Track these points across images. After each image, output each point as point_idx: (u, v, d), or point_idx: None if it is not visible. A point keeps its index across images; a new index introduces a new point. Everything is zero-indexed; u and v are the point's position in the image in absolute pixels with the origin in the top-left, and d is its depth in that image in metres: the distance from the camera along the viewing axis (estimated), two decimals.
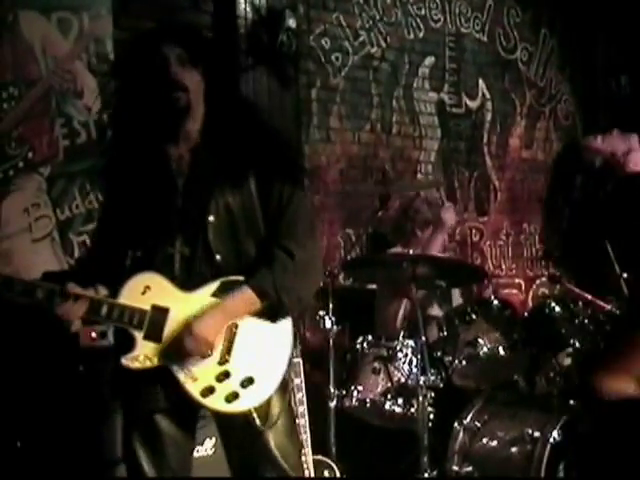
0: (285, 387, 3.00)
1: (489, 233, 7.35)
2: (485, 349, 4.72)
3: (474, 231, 7.21)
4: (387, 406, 4.71)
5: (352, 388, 4.78)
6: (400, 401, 4.69)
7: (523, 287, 7.52)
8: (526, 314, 5.02)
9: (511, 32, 7.58)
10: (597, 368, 2.61)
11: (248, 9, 5.54)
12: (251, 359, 2.89)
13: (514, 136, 7.61)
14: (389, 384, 4.76)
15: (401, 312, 5.41)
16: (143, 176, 2.92)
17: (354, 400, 4.75)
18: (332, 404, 4.68)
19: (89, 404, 4.05)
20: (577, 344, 4.52)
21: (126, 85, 2.98)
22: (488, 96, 7.42)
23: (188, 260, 2.89)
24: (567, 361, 4.61)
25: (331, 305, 4.76)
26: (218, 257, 2.88)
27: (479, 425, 4.60)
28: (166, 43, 2.88)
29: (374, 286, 5.46)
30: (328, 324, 4.73)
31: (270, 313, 2.92)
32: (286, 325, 2.98)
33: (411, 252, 4.75)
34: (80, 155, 4.99)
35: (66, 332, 2.85)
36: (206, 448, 4.10)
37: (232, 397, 2.86)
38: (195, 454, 4.03)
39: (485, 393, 4.78)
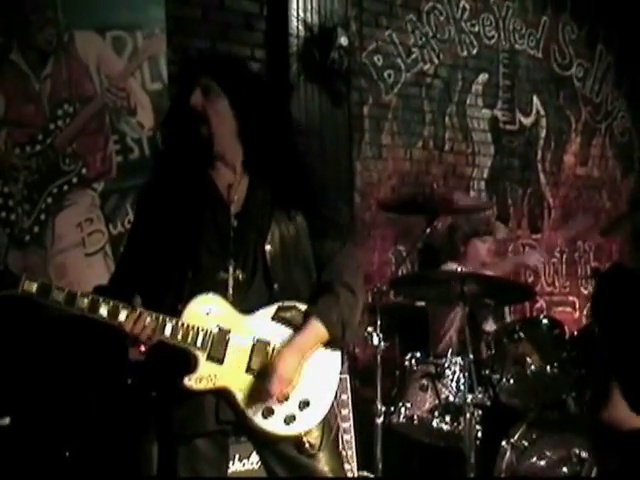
0: (332, 411, 3.04)
1: (542, 250, 7.28)
2: (533, 368, 4.70)
3: (527, 248, 7.16)
4: (434, 423, 4.71)
5: (400, 405, 4.79)
6: (447, 418, 4.69)
7: (577, 305, 7.45)
8: (576, 333, 4.99)
9: (566, 48, 7.53)
10: (600, 406, 2.64)
11: (300, 27, 5.58)
12: (306, 382, 2.91)
13: (569, 153, 7.55)
14: (437, 401, 4.77)
15: (452, 329, 5.40)
16: (191, 200, 2.96)
17: (401, 417, 4.76)
18: (379, 420, 4.69)
19: (136, 417, 4.10)
20: None
21: (169, 114, 3.06)
22: (542, 113, 7.37)
23: (241, 285, 2.92)
24: None
25: (379, 322, 4.77)
26: (276, 285, 2.93)
27: (527, 444, 4.59)
28: (194, 74, 2.95)
29: (423, 303, 5.46)
30: (376, 341, 4.74)
31: (329, 343, 2.96)
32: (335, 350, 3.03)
33: (459, 269, 4.74)
34: (133, 171, 5.06)
35: (123, 347, 2.88)
36: (252, 462, 4.12)
37: (290, 420, 2.89)
38: (241, 467, 4.10)
39: (533, 412, 4.75)
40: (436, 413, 4.71)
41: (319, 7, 5.68)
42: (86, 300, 2.78)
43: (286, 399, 2.87)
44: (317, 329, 2.90)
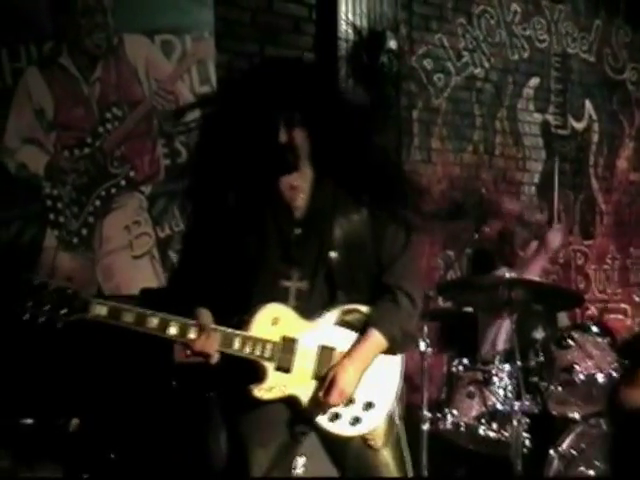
0: (394, 409, 3.05)
1: (594, 257, 7.21)
2: (581, 376, 4.62)
3: (578, 254, 7.07)
4: (481, 431, 4.66)
5: (446, 411, 4.74)
6: (494, 426, 4.64)
7: (629, 312, 7.34)
8: (629, 340, 4.92)
9: (620, 52, 7.44)
10: (622, 382, 2.77)
11: (349, 31, 5.56)
12: (370, 384, 2.95)
13: (622, 158, 7.45)
14: (484, 408, 4.71)
15: (501, 336, 5.35)
16: (254, 206, 2.95)
17: (448, 424, 4.71)
18: (425, 427, 4.65)
19: (182, 419, 4.12)
20: None
21: (228, 119, 2.99)
22: (595, 117, 7.29)
23: (303, 293, 2.92)
24: None
25: (426, 327, 4.74)
26: (339, 292, 2.94)
27: (575, 453, 4.52)
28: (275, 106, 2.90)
29: (471, 309, 5.41)
30: (423, 346, 4.70)
31: (389, 351, 2.99)
32: None
33: (507, 275, 4.68)
34: (181, 174, 5.07)
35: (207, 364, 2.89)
36: (295, 466, 4.10)
37: (355, 421, 2.93)
38: None
39: (582, 420, 4.68)
40: (483, 420, 4.66)
41: (368, 11, 5.66)
42: (155, 320, 2.79)
43: (344, 404, 2.90)
44: (377, 339, 2.93)
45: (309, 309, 2.91)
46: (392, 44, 5.60)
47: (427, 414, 4.66)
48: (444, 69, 6.39)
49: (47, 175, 4.72)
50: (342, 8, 5.57)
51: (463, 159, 6.50)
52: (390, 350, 2.98)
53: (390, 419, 3.02)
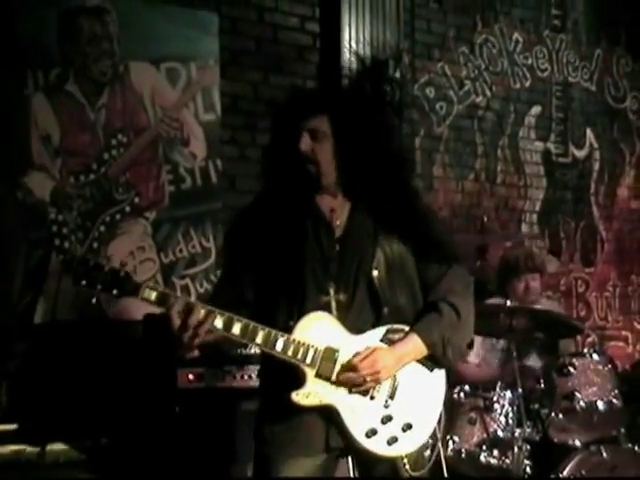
0: (434, 435, 3.04)
1: (595, 284, 7.23)
2: (582, 403, 4.63)
3: (579, 282, 7.10)
4: (482, 457, 4.64)
5: (447, 438, 4.74)
6: (495, 453, 4.62)
7: (630, 340, 7.36)
8: (629, 368, 4.93)
9: (620, 81, 7.50)
10: None
11: (352, 59, 5.62)
12: (411, 405, 2.94)
13: (622, 186, 7.49)
14: (485, 435, 4.70)
15: (498, 362, 5.36)
16: (297, 223, 2.98)
17: (449, 450, 4.71)
18: (426, 454, 4.65)
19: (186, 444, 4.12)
20: None
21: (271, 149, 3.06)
22: (596, 146, 7.34)
23: (343, 305, 2.92)
24: None
25: None
26: (385, 309, 2.94)
27: None
28: (301, 116, 2.95)
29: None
30: None
31: (431, 362, 2.98)
32: (440, 374, 3.04)
33: (508, 303, 4.70)
34: (185, 201, 5.14)
35: None
36: None
37: (392, 441, 2.90)
38: None
39: (583, 448, 4.69)
40: (484, 447, 4.65)
41: (371, 39, 5.72)
42: (203, 311, 2.79)
43: (365, 393, 2.88)
44: (415, 342, 2.92)
45: (349, 321, 2.91)
46: (395, 72, 5.64)
47: (428, 440, 4.66)
48: (446, 97, 6.45)
49: (53, 201, 4.78)
50: (345, 37, 5.64)
51: (465, 187, 6.54)
52: (433, 360, 2.97)
53: (428, 445, 3.02)
